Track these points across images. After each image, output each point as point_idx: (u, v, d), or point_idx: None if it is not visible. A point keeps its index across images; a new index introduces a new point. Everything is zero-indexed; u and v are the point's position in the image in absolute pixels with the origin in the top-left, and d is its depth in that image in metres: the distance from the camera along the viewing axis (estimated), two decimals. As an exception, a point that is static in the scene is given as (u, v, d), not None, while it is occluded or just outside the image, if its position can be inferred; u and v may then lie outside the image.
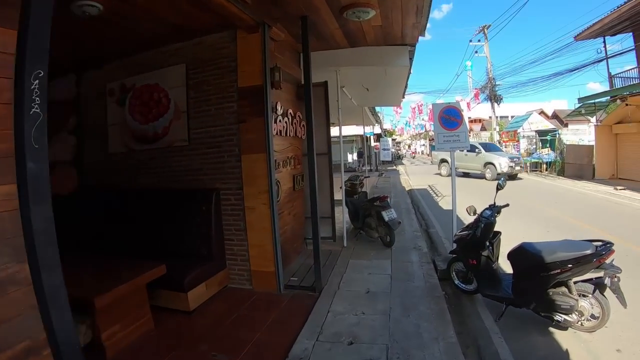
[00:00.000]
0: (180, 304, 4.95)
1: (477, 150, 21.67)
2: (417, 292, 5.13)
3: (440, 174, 24.10)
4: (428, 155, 72.76)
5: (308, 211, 7.40)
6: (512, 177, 19.90)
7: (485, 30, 29.05)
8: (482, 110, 45.14)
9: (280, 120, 5.91)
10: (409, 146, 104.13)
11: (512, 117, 58.07)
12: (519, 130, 26.14)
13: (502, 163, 19.94)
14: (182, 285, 4.87)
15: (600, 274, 3.98)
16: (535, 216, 10.64)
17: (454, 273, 5.56)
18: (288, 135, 6.27)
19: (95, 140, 6.80)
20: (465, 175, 22.64)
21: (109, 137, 6.66)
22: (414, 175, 26.05)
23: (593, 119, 32.70)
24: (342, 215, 7.94)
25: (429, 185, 18.99)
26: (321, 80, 7.28)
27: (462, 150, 20.27)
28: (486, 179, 20.24)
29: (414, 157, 74.30)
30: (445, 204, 13.01)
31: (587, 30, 19.42)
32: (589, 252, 3.83)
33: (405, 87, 10.19)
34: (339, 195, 8.17)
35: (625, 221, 9.80)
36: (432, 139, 71.10)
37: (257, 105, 5.33)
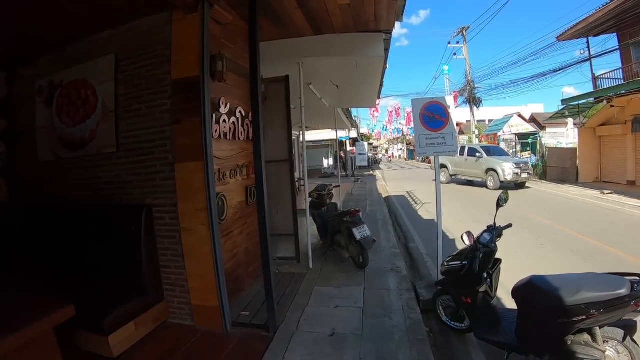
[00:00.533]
0: (102, 349, 3.89)
1: (477, 154, 19.10)
2: (395, 335, 4.06)
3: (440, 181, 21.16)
4: (406, 159, 72.55)
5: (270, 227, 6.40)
6: (519, 185, 17.73)
7: (464, 32, 28.40)
8: (458, 114, 44.56)
9: (225, 121, 4.81)
10: (386, 150, 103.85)
11: (489, 120, 58.26)
12: (499, 134, 25.39)
13: (505, 169, 17.24)
14: (101, 327, 3.81)
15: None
16: (524, 225, 9.76)
17: (441, 308, 4.52)
18: (237, 138, 5.17)
19: (26, 147, 5.75)
20: (470, 183, 20.38)
21: (37, 142, 5.62)
22: (391, 181, 25.19)
23: (570, 122, 32.30)
24: (307, 231, 6.75)
25: (408, 192, 18.03)
26: (282, 74, 6.25)
27: (463, 155, 19.73)
28: (488, 189, 17.80)
29: (390, 161, 73.94)
30: (425, 213, 12.06)
31: (570, 30, 18.78)
32: (623, 292, 2.80)
33: (381, 85, 9.19)
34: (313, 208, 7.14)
35: (622, 230, 8.99)
36: (410, 143, 71.12)
37: (193, 101, 4.26)
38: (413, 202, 14.71)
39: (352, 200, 14.49)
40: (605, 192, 14.41)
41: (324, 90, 8.88)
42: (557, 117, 21.76)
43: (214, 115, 4.51)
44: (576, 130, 29.98)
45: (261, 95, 4.45)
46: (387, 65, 7.32)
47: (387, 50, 6.27)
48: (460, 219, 10.56)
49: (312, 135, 28.40)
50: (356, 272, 6.07)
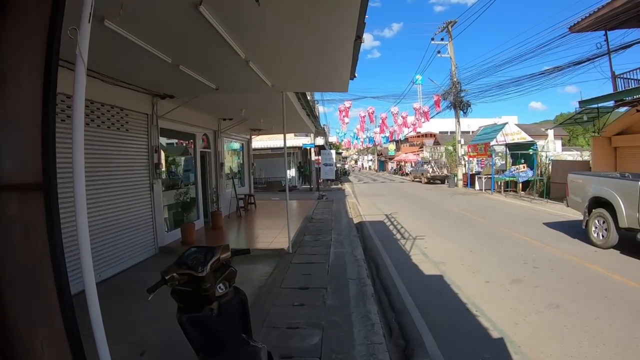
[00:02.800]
0: None
1: None
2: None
3: (591, 239, 8.56)
4: (376, 170, 69.06)
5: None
6: None
7: (450, 27, 24.59)
8: (433, 123, 40.72)
9: None
10: (356, 161, 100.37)
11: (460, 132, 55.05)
12: (491, 143, 21.41)
13: None
14: None
15: None
16: (584, 276, 5.78)
17: None
18: None
19: None
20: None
21: None
22: (364, 198, 20.96)
23: (551, 134, 28.77)
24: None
25: (387, 215, 13.76)
26: None
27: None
28: None
29: (353, 171, 70.97)
30: (423, 259, 7.68)
31: (589, 18, 15.01)
32: None
33: (358, 38, 4.94)
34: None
35: None
36: (381, 154, 67.83)
37: None
38: (398, 234, 10.43)
39: (311, 231, 10.16)
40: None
41: (245, 35, 4.59)
42: (570, 124, 18.09)
43: None
44: (557, 142, 26.79)
45: None
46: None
47: None
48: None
49: (269, 142, 24.14)
50: None
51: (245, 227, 11.24)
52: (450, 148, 40.59)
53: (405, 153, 52.72)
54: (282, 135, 24.46)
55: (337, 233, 9.64)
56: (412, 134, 34.60)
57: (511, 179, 20.71)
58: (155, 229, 8.23)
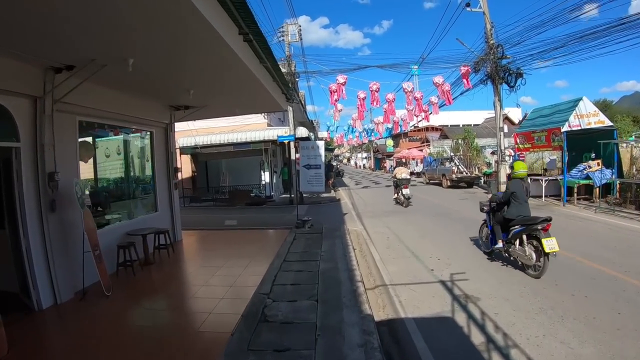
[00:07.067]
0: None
1: None
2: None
3: None
4: (372, 169, 61.83)
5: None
6: None
7: (481, -32, 17.28)
8: (433, 117, 33.24)
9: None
10: (348, 159, 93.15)
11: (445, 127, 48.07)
12: (563, 129, 13.83)
13: None
14: None
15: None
16: None
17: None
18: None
19: None
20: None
21: None
22: (373, 219, 13.07)
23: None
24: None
25: (450, 290, 6.11)
26: None
27: None
28: None
29: (345, 166, 65.15)
30: None
31: None
32: None
33: None
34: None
35: None
36: (377, 151, 60.29)
37: None
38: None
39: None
40: None
41: None
42: None
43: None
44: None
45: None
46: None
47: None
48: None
49: (232, 135, 17.05)
50: None
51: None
52: (461, 142, 33.87)
53: (408, 149, 45.08)
54: (253, 125, 17.08)
55: None
56: (425, 123, 27.08)
57: (585, 182, 13.70)
58: None
